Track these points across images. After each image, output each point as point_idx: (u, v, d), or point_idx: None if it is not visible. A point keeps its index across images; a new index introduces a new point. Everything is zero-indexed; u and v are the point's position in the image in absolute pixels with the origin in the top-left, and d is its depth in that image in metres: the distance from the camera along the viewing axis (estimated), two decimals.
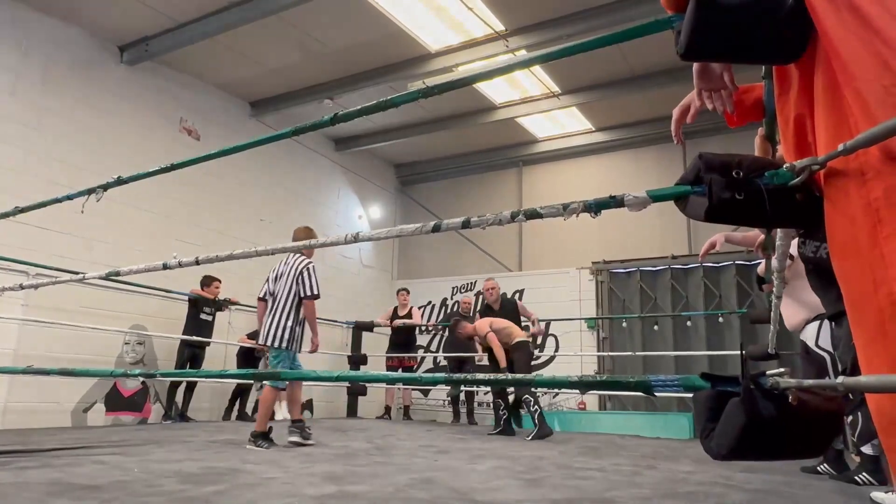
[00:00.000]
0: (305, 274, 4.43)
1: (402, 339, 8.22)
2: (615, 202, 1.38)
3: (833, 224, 0.98)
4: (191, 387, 6.68)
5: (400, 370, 8.12)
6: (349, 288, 9.78)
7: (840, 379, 0.92)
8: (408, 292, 8.58)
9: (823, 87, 0.99)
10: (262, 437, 4.26)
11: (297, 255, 4.56)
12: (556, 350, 8.98)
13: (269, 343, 4.40)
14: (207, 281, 6.78)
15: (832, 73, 0.96)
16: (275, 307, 4.44)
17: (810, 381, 1.00)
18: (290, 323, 4.40)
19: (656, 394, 1.30)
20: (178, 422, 6.39)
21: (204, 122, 7.80)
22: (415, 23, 6.47)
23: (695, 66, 1.25)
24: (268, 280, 4.62)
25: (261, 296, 4.65)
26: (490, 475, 3.15)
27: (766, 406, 1.00)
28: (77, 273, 4.27)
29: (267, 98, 8.27)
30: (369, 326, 8.72)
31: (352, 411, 8.61)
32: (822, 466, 3.51)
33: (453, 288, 10.11)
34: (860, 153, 0.90)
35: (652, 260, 8.70)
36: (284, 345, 4.38)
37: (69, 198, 3.13)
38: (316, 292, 4.43)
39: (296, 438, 4.35)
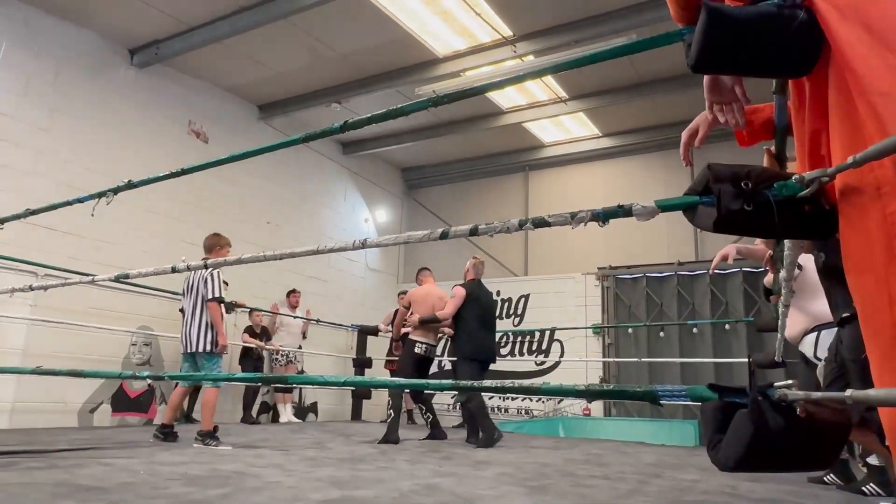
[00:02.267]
0: (209, 278, 4.66)
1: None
2: (623, 211, 1.36)
3: (848, 239, 0.97)
4: (196, 389, 6.69)
5: None
6: (355, 291, 9.80)
7: (849, 392, 0.91)
8: None
9: (836, 100, 0.98)
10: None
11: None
12: (562, 355, 8.96)
13: (200, 349, 4.55)
14: None
15: (845, 85, 0.95)
16: (192, 314, 4.63)
17: (819, 394, 0.99)
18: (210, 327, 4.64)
19: (662, 403, 1.30)
20: (183, 423, 6.40)
21: (212, 124, 7.84)
22: (422, 27, 6.49)
23: (705, 79, 1.23)
24: (183, 292, 4.83)
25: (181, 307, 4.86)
26: (494, 482, 3.15)
27: (774, 418, 0.99)
28: (86, 275, 4.30)
29: (275, 101, 8.31)
30: (373, 331, 8.71)
31: (356, 414, 8.62)
32: (828, 477, 3.49)
33: None
34: (875, 167, 0.89)
35: (658, 266, 8.68)
36: (217, 349, 4.59)
37: (80, 200, 3.16)
38: (218, 295, 4.64)
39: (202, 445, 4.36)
